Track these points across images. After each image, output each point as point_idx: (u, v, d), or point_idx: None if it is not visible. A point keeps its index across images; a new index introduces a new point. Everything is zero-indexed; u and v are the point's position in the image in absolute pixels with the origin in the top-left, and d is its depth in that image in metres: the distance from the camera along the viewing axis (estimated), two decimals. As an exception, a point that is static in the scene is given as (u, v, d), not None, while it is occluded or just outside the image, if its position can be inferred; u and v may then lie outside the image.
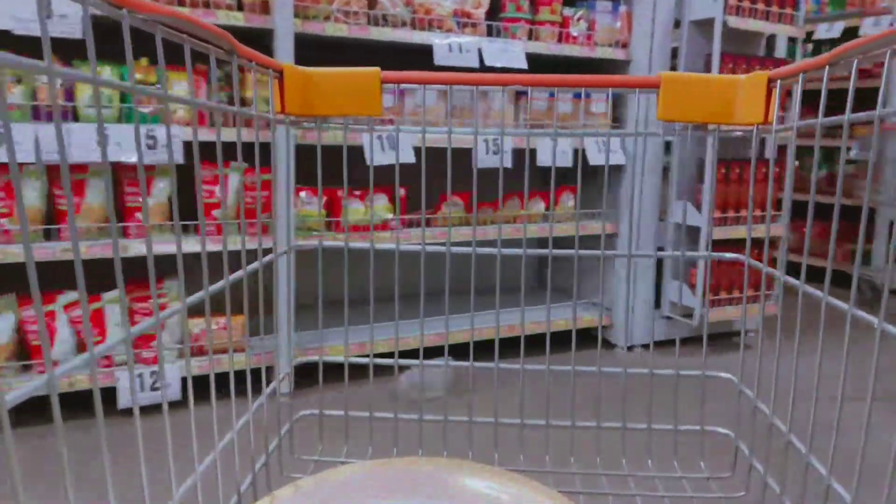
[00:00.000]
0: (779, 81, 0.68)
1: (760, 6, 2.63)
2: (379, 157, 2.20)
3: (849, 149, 4.14)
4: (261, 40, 2.26)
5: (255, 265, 0.80)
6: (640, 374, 1.87)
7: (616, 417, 2.06)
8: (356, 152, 2.66)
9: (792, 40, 3.45)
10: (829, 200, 4.27)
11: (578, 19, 2.62)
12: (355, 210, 2.34)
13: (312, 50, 2.55)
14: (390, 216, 2.39)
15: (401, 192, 2.59)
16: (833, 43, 4.08)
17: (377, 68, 0.71)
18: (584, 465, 1.76)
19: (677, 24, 2.75)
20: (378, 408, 2.15)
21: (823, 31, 3.99)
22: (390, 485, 0.67)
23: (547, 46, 2.54)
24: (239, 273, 0.72)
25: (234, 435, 1.09)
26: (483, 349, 2.67)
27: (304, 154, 2.58)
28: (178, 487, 1.47)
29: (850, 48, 0.58)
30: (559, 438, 1.90)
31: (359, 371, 2.42)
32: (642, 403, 2.20)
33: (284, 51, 2.11)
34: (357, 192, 2.37)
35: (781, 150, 4.03)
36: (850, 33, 4.04)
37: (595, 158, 2.63)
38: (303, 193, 2.31)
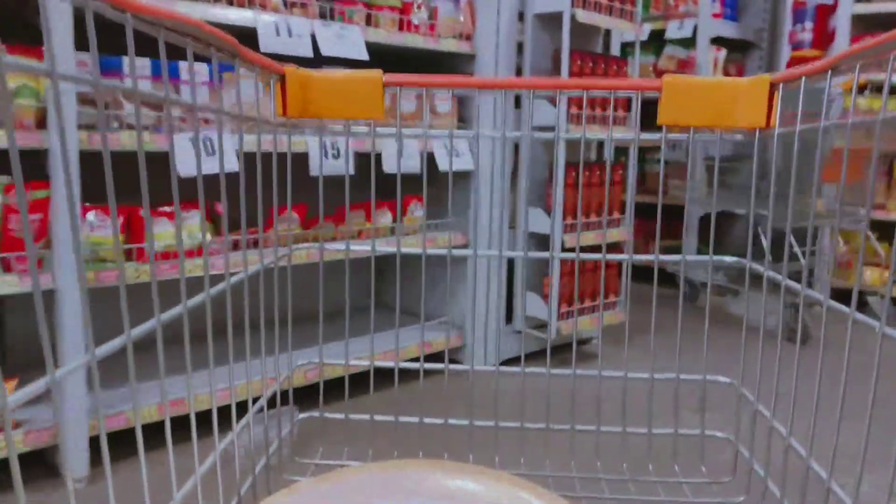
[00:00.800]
0: (780, 85, 0.69)
1: (604, 0, 2.51)
2: (189, 166, 1.73)
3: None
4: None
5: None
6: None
7: (605, 422, 2.06)
8: (159, 160, 2.15)
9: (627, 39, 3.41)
10: (648, 200, 4.34)
11: (419, 6, 2.37)
12: (162, 234, 1.85)
13: (101, 32, 2.01)
14: (207, 238, 1.94)
15: (220, 207, 2.13)
16: (685, 43, 3.96)
17: (379, 71, 0.71)
18: (585, 469, 1.76)
19: (521, 16, 2.56)
20: (378, 411, 2.15)
21: (675, 30, 3.87)
22: (389, 486, 0.68)
23: (388, 35, 2.26)
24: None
25: (235, 437, 1.09)
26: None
27: (90, 164, 1.81)
28: (179, 489, 1.47)
29: (853, 53, 0.59)
30: (559, 442, 1.90)
31: (353, 380, 2.42)
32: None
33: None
34: (166, 209, 1.86)
35: (620, 152, 4.04)
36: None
37: (444, 163, 2.41)
38: (91, 215, 1.76)
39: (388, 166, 2.25)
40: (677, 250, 4.43)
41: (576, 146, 2.71)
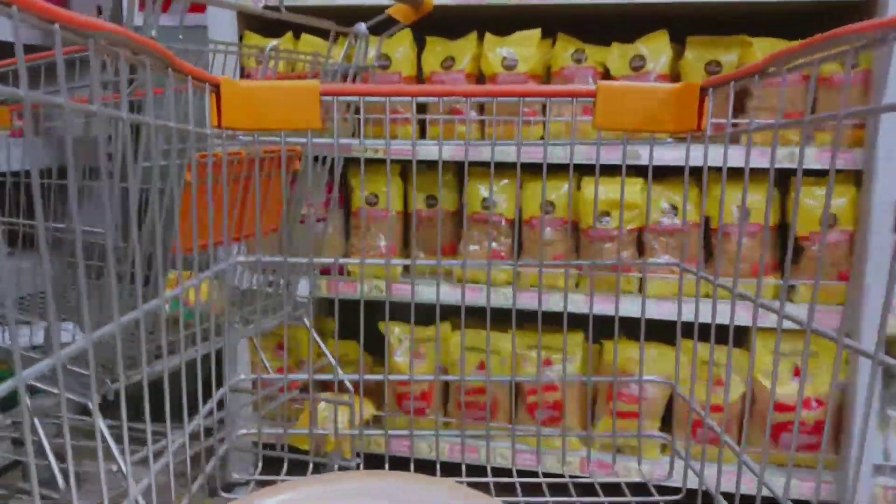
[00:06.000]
0: (711, 89, 0.71)
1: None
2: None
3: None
4: None
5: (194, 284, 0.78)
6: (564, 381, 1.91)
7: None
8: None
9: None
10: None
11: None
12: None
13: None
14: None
15: None
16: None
17: (316, 81, 0.71)
18: (524, 473, 1.77)
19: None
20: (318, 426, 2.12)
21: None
22: (333, 499, 0.67)
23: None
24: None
25: (170, 457, 1.06)
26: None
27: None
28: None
29: (777, 57, 0.61)
30: (497, 445, 1.92)
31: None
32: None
33: None
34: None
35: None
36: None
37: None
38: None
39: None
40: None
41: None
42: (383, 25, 1.45)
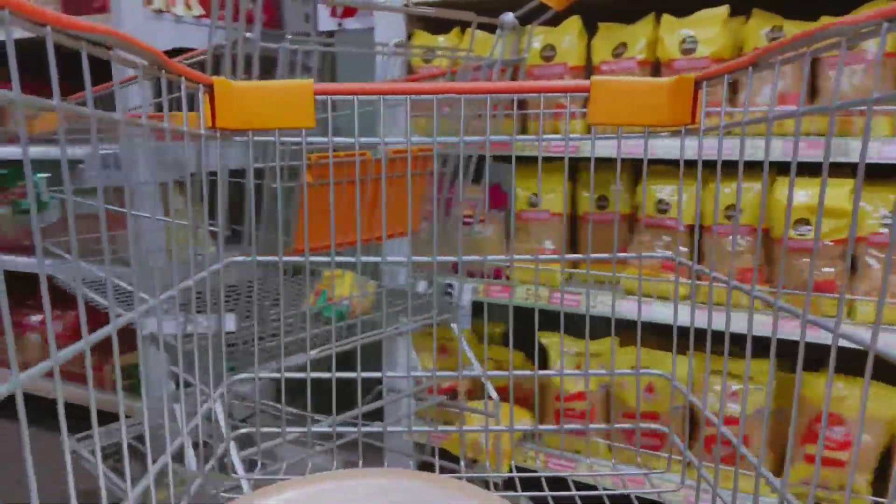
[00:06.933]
0: (704, 83, 0.71)
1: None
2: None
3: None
4: None
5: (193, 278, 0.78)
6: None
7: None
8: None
9: None
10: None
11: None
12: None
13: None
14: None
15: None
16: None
17: (310, 81, 0.71)
18: (522, 467, 1.78)
19: None
20: (316, 423, 2.13)
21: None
22: (335, 498, 0.67)
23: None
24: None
25: (168, 458, 1.06)
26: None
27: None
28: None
29: (770, 49, 0.61)
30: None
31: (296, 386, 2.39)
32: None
33: None
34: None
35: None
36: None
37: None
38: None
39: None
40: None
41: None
42: (535, 14, 1.35)
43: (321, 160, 1.08)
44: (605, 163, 1.82)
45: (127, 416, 1.94)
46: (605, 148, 1.64)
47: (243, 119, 0.72)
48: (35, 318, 2.52)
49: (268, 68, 1.24)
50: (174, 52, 1.54)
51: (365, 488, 0.66)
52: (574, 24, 1.75)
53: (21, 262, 2.26)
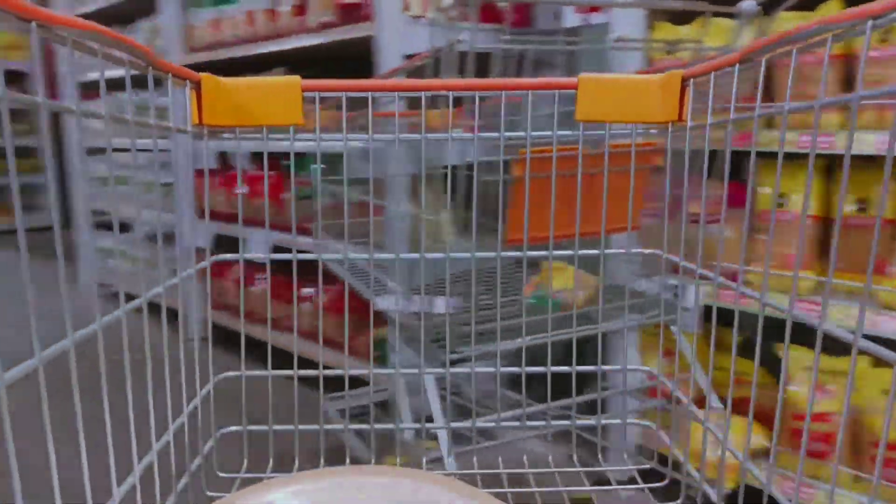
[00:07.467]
0: (692, 80, 0.71)
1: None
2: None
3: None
4: None
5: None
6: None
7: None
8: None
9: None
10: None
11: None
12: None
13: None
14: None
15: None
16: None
17: (297, 77, 0.70)
18: (511, 464, 1.77)
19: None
20: (303, 421, 2.12)
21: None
22: (324, 495, 0.67)
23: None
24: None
25: (154, 457, 1.05)
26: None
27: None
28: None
29: (756, 48, 0.61)
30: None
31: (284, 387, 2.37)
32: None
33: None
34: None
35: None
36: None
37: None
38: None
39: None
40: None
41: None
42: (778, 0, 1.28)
43: (534, 155, 1.09)
44: (862, 161, 1.56)
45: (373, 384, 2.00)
46: (866, 145, 1.44)
47: (231, 116, 0.71)
48: (306, 290, 2.82)
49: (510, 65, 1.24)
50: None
51: (355, 487, 0.66)
52: (833, 8, 1.57)
53: (302, 242, 2.43)
